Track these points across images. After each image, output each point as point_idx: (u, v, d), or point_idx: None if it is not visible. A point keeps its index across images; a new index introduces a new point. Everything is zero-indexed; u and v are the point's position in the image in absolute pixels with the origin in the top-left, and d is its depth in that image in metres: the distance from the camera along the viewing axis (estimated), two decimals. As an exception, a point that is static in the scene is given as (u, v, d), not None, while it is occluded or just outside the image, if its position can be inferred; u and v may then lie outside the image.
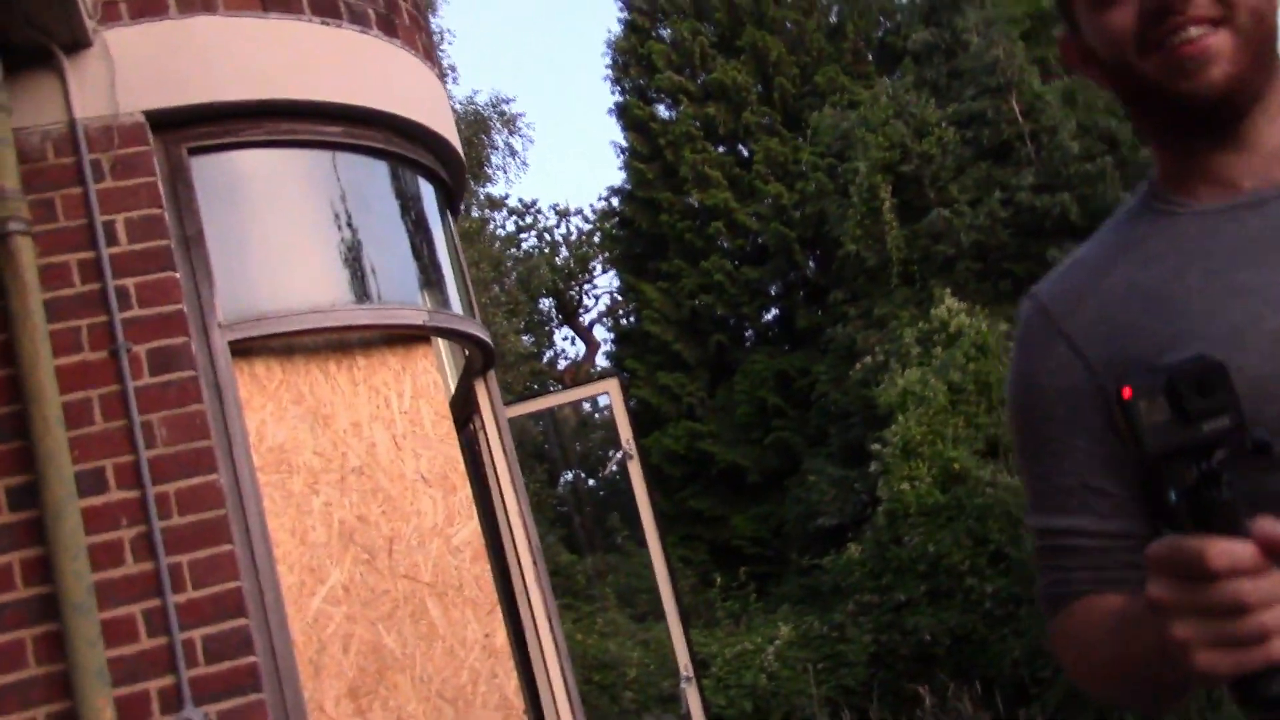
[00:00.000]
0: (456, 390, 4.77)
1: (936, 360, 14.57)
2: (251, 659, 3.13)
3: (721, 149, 21.41)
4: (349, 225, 4.00)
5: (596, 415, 24.11)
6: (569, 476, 23.54)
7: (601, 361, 26.21)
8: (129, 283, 3.30)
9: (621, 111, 22.21)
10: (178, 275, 3.37)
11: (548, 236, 27.65)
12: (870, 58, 21.66)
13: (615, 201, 23.42)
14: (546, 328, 27.66)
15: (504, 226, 26.50)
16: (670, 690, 11.47)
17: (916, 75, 18.56)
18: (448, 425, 4.05)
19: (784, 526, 17.53)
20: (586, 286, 27.85)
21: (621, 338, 23.36)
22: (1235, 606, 0.97)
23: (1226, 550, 0.97)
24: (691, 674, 5.27)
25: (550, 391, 18.81)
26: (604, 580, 16.02)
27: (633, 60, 22.16)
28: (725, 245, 20.69)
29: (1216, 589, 0.98)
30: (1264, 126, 1.28)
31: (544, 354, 26.99)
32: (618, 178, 25.40)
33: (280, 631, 3.26)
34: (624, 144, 22.24)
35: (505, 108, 23.82)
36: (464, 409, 4.65)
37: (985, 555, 12.60)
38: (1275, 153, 1.28)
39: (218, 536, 3.19)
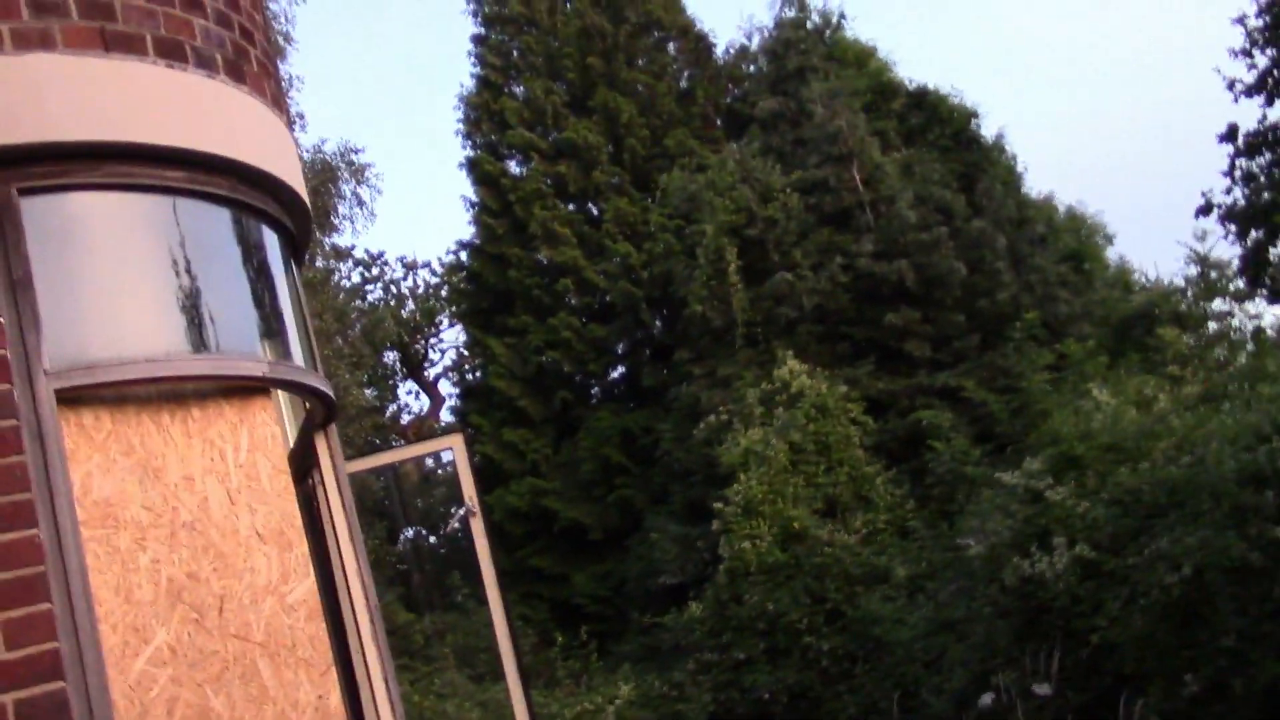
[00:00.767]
0: (296, 444, 4.66)
1: (778, 420, 14.84)
2: (67, 725, 2.97)
3: (571, 207, 21.58)
4: (188, 273, 3.89)
5: (439, 471, 23.81)
6: (409, 533, 23.15)
7: (446, 416, 25.95)
8: (-52, 326, 3.14)
9: (472, 166, 22.22)
10: (2, 320, 3.22)
11: (394, 289, 27.37)
12: (719, 123, 22.17)
13: (464, 256, 23.34)
14: (391, 381, 27.28)
15: (350, 278, 26.12)
16: (508, 752, 11.31)
17: (763, 142, 19.08)
18: (285, 480, 3.95)
19: (625, 585, 17.54)
20: (432, 340, 27.61)
21: (467, 393, 23.20)
22: None
23: None
24: (531, 735, 5.19)
25: (393, 447, 18.50)
26: (443, 640, 15.73)
27: (485, 115, 22.23)
28: (573, 302, 20.79)
29: None
30: None
31: (387, 408, 26.58)
32: (467, 232, 25.31)
33: (100, 695, 3.11)
34: (474, 198, 22.23)
35: (354, 157, 23.51)
36: (303, 463, 4.54)
37: (822, 613, 12.81)
38: None
39: (35, 595, 3.03)
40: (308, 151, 21.77)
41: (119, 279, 3.73)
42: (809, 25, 20.31)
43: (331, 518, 4.40)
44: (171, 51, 3.85)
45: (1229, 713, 8.49)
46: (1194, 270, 18.12)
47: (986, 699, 9.52)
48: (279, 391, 4.27)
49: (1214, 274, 17.44)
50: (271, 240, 4.34)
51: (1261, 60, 19.03)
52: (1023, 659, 9.67)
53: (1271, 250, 19.19)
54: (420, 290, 27.47)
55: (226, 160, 3.96)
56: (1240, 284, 18.29)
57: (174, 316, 3.84)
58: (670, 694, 12.89)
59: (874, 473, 14.92)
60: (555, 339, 20.16)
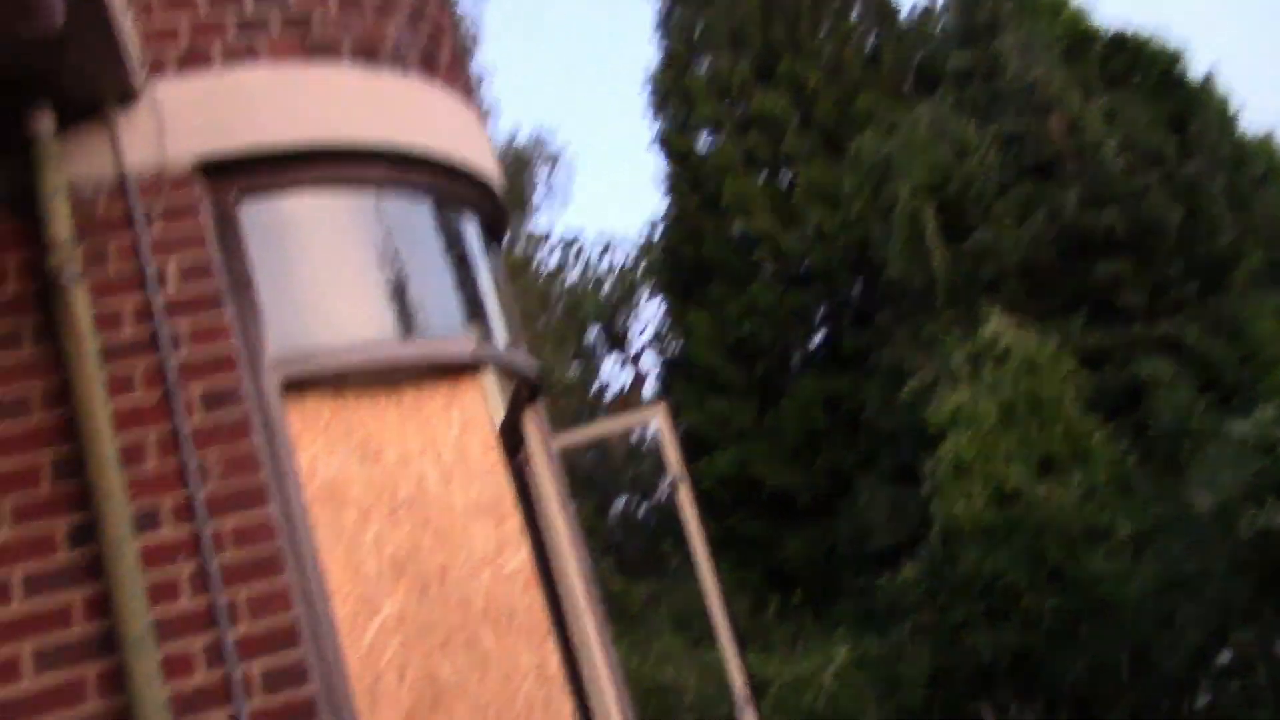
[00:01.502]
0: (504, 420, 4.82)
1: (986, 379, 14.48)
2: (309, 690, 3.18)
3: (763, 177, 21.47)
4: (395, 262, 4.08)
5: (645, 442, 24.14)
6: (620, 503, 23.56)
7: (649, 390, 26.25)
8: (180, 325, 3.39)
9: (662, 142, 22.35)
10: (227, 316, 3.45)
11: (592, 268, 27.80)
12: (908, 82, 21.66)
13: (659, 231, 23.53)
14: (593, 359, 27.76)
15: (549, 261, 26.68)
16: (727, 714, 11.43)
17: (956, 97, 18.55)
18: (496, 456, 4.10)
19: (837, 548, 17.45)
20: (632, 316, 27.94)
21: (668, 366, 23.40)
22: None
23: None
24: (748, 697, 5.27)
25: (598, 421, 18.82)
26: (658, 605, 15.98)
27: (672, 91, 22.31)
28: (770, 272, 20.71)
29: None
30: None
31: (591, 384, 27.07)
32: (661, 207, 25.52)
33: (336, 662, 3.31)
34: (666, 174, 22.37)
35: (546, 144, 24.03)
36: (512, 439, 4.70)
37: (1043, 573, 12.48)
38: None
39: (272, 570, 3.25)
40: (502, 142, 22.35)
41: (331, 272, 3.94)
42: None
43: (541, 490, 4.54)
44: (367, 54, 4.04)
45: None
46: None
47: (1224, 658, 9.12)
48: (486, 371, 4.43)
49: None
50: (471, 227, 4.50)
51: None
52: (1263, 616, 9.21)
53: None
54: (618, 268, 27.86)
55: (424, 153, 4.13)
56: None
57: (385, 305, 4.03)
58: (888, 656, 12.80)
59: (1091, 428, 14.41)
60: (754, 308, 20.15)
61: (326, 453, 3.72)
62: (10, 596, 3.08)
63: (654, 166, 43.64)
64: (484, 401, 4.23)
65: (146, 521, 3.18)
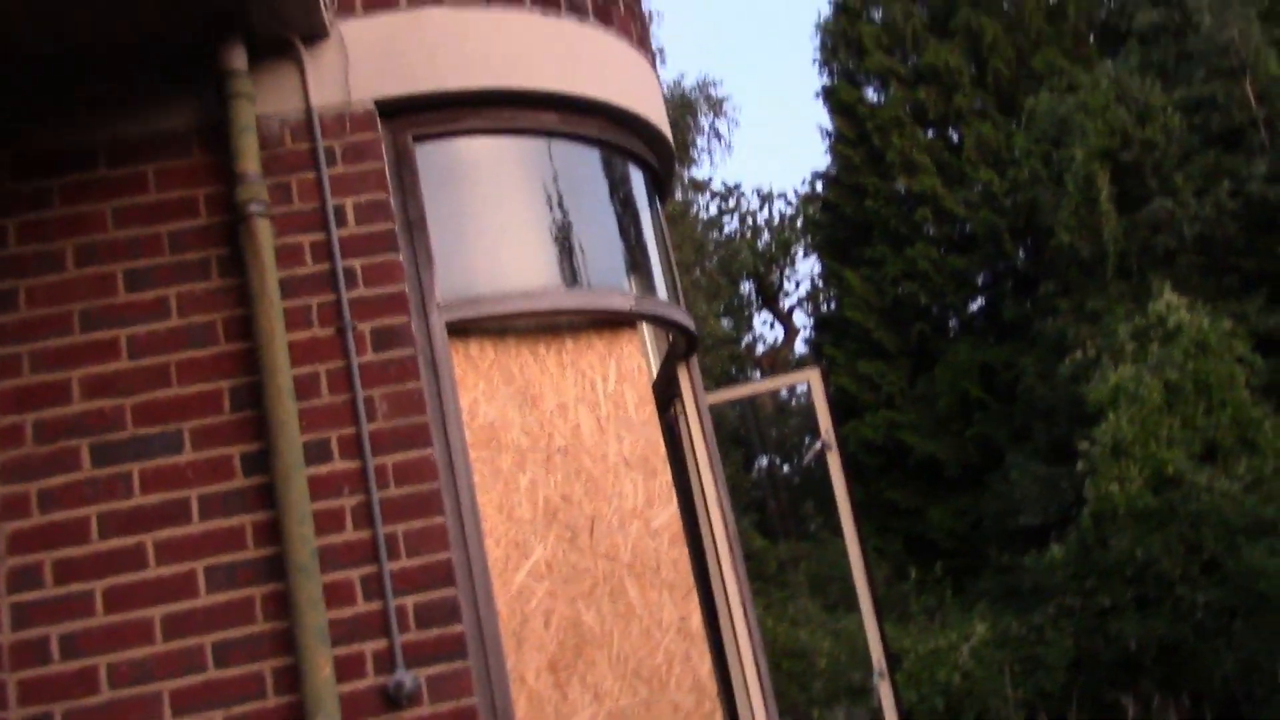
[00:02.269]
0: (659, 374, 4.84)
1: (1152, 357, 13.96)
2: (459, 628, 3.26)
3: (931, 134, 20.96)
4: (561, 211, 4.10)
5: (794, 402, 24.01)
6: (764, 462, 23.52)
7: (800, 348, 26.07)
8: (356, 264, 3.47)
9: (829, 95, 21.99)
10: (400, 258, 3.52)
11: (750, 220, 27.61)
12: (1092, 39, 20.82)
13: (819, 186, 23.22)
14: (746, 312, 27.64)
15: (707, 210, 26.60)
16: (860, 683, 11.36)
17: (1141, 57, 17.76)
18: (650, 409, 4.11)
19: (982, 522, 17.11)
20: (787, 272, 27.70)
21: (821, 324, 23.18)
22: None
23: None
24: (885, 669, 5.22)
25: (751, 380, 18.80)
26: (797, 567, 15.95)
27: (842, 43, 21.89)
28: (931, 233, 20.26)
29: None
30: None
31: (742, 338, 27.00)
32: (823, 162, 25.16)
33: (486, 603, 3.39)
34: (831, 128, 22.02)
35: (712, 90, 23.87)
36: (665, 393, 4.71)
37: (1198, 563, 12.04)
38: None
39: (431, 508, 3.33)
40: (667, 86, 22.27)
41: (500, 218, 3.98)
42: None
43: (693, 447, 4.55)
44: (546, 0, 4.04)
45: None
46: None
47: (1389, 666, 8.68)
48: (644, 324, 4.44)
49: None
50: (637, 178, 4.50)
51: None
52: None
53: None
54: (776, 221, 27.61)
55: (596, 102, 4.13)
56: None
57: (549, 253, 4.06)
58: (1029, 636, 12.53)
59: (1262, 416, 13.77)
60: (912, 270, 19.76)
61: (487, 397, 3.78)
62: (189, 517, 3.23)
63: (819, 118, 42.97)
64: (641, 354, 4.24)
65: (316, 453, 3.29)
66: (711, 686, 3.93)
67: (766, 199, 27.82)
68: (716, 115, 23.97)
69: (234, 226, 3.37)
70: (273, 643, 3.17)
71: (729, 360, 23.10)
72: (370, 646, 3.20)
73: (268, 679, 3.16)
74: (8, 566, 3.17)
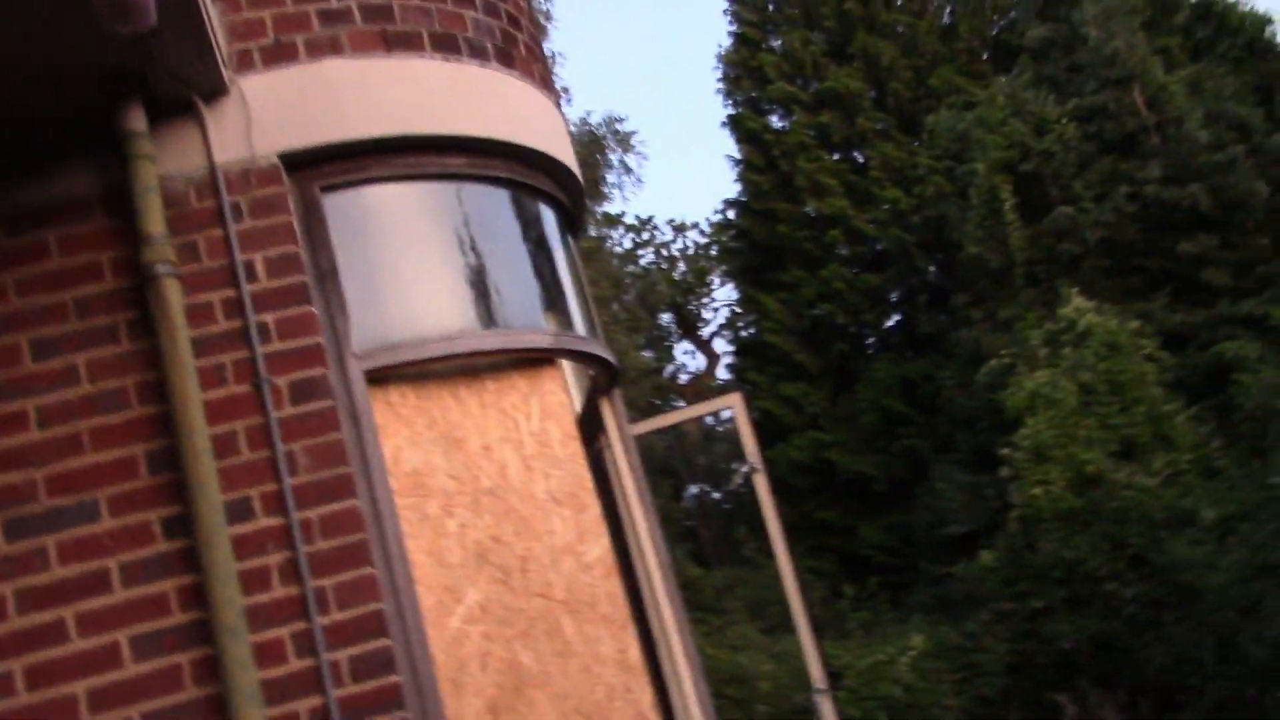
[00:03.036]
0: (583, 409, 4.84)
1: (1066, 361, 14.25)
2: (395, 678, 3.23)
3: (836, 156, 21.27)
4: (474, 253, 4.11)
5: (720, 428, 24.11)
6: (694, 490, 23.57)
7: (722, 374, 26.21)
8: (269, 318, 3.44)
9: (734, 124, 22.23)
10: (314, 309, 3.51)
11: (665, 251, 27.78)
12: (985, 57, 21.32)
13: (731, 214, 23.44)
14: (667, 342, 27.77)
15: (621, 244, 26.73)
16: (804, 703, 11.40)
17: (1034, 72, 18.22)
18: (576, 445, 4.12)
19: (913, 535, 17.29)
20: (705, 300, 27.90)
21: (742, 349, 23.33)
22: None
23: None
24: (825, 686, 5.25)
25: (675, 408, 18.87)
26: (733, 593, 15.97)
27: (744, 72, 22.17)
28: (844, 253, 20.53)
29: None
30: None
31: (665, 368, 27.09)
32: (733, 190, 25.41)
33: (421, 651, 3.36)
34: (738, 156, 22.25)
35: (619, 126, 24.05)
36: (590, 428, 4.72)
37: (1124, 559, 12.26)
38: None
39: (359, 560, 3.30)
40: (575, 125, 22.40)
41: (413, 264, 3.98)
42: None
43: (621, 479, 4.56)
44: (446, 45, 4.06)
45: None
46: None
47: (1313, 647, 8.91)
48: (565, 360, 4.46)
49: None
50: (549, 216, 4.52)
51: None
52: (1354, 604, 8.99)
53: None
54: (690, 251, 27.82)
55: (503, 143, 4.15)
56: None
57: (465, 296, 4.07)
58: (965, 644, 12.65)
59: (1174, 411, 14.11)
60: (827, 291, 19.99)
61: (410, 443, 3.77)
62: (110, 586, 3.17)
63: (727, 147, 43.44)
64: (563, 390, 4.25)
65: (238, 512, 3.25)
66: (654, 718, 3.93)
67: (680, 229, 28.04)
68: (625, 150, 24.15)
69: (142, 288, 3.33)
70: (204, 708, 3.12)
71: (653, 391, 23.16)
72: (305, 704, 3.16)
73: (202, 745, 3.10)
74: (-76, 651, 3.09)
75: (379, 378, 3.69)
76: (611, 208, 25.47)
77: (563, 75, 25.18)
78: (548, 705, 3.72)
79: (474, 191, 4.14)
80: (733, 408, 5.37)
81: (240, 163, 3.56)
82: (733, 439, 20.07)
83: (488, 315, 4.08)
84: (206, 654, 3.13)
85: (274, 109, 3.64)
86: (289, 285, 3.49)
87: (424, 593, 3.60)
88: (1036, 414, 13.62)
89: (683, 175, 47.22)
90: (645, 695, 3.93)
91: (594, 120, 23.91)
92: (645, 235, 27.62)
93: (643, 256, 27.56)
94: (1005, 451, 13.58)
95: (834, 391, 20.07)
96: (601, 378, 4.57)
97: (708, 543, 19.77)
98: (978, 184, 16.97)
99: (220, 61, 3.51)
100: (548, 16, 18.83)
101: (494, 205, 4.26)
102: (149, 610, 3.16)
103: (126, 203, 3.36)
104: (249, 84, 3.65)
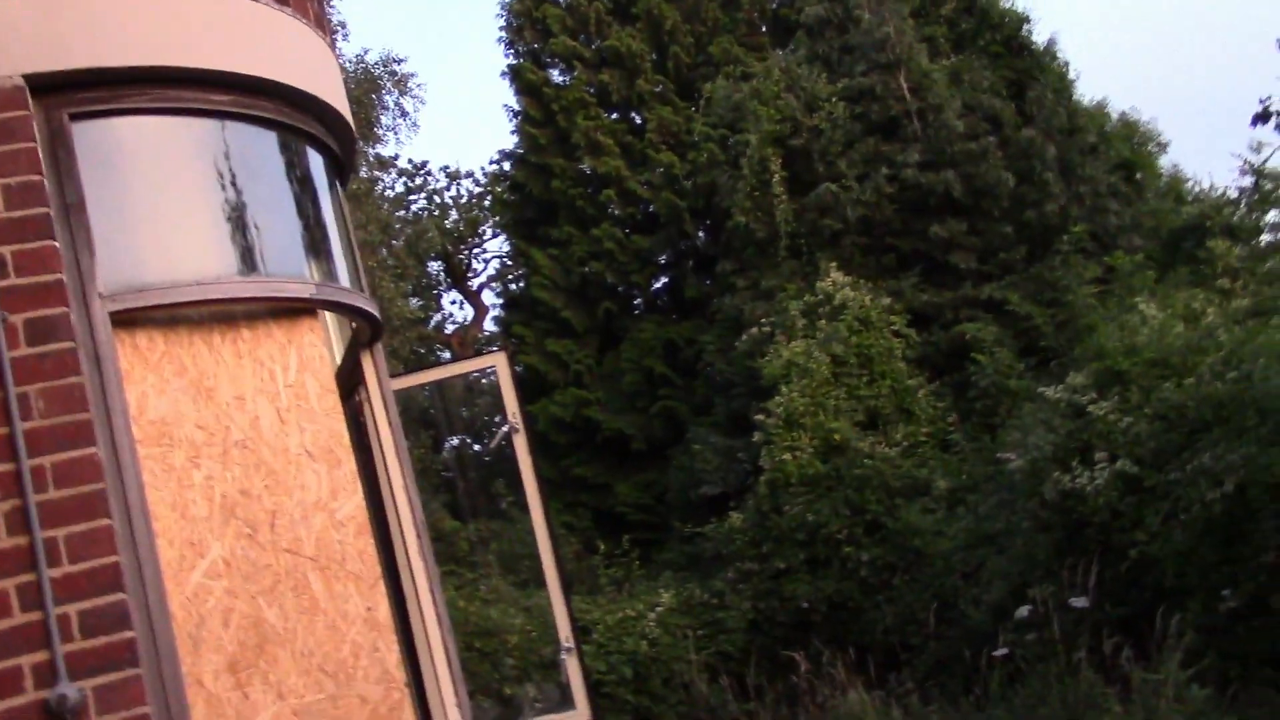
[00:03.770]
0: (343, 362, 4.76)
1: (820, 333, 14.83)
2: (129, 634, 3.11)
3: (614, 116, 21.39)
4: (236, 195, 3.96)
5: (484, 382, 24.03)
6: (454, 442, 23.46)
7: (490, 326, 26.12)
8: (5, 251, 3.23)
9: (514, 75, 22.04)
10: (57, 244, 3.31)
11: (437, 199, 27.39)
12: (764, 30, 21.80)
13: (507, 166, 23.28)
14: (435, 291, 27.44)
15: (393, 188, 26.19)
16: (552, 656, 11.57)
17: (809, 49, 18.74)
18: (333, 399, 4.04)
19: (668, 494, 17.72)
20: (476, 250, 27.68)
21: (510, 303, 23.29)
22: None
23: None
24: (572, 643, 5.34)
25: (437, 364, 18.66)
26: (488, 547, 16.02)
27: (527, 24, 21.98)
28: (616, 213, 20.71)
29: None
30: None
31: (432, 318, 26.78)
32: (510, 141, 25.22)
33: (159, 606, 3.25)
34: (517, 108, 22.09)
35: (397, 67, 23.48)
36: (350, 381, 4.64)
37: (862, 525, 12.92)
38: None
39: (95, 510, 3.16)
40: (350, 61, 21.73)
41: (169, 203, 3.80)
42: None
43: (378, 434, 4.51)
44: (215, -26, 3.88)
45: (1267, 628, 8.54)
46: (1248, 181, 17.74)
47: (1023, 611, 9.61)
48: (326, 311, 4.36)
49: (1269, 185, 17.08)
50: (316, 161, 4.40)
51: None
52: (1061, 572, 9.74)
53: (1330, 161, 18.69)
54: (464, 200, 27.50)
55: (271, 83, 4.00)
56: (1295, 195, 17.89)
57: (223, 239, 3.92)
58: (711, 602, 13.09)
59: (916, 385, 14.92)
60: (598, 250, 20.15)
61: (157, 391, 3.62)
62: None
63: (506, 98, 43.03)
64: (324, 342, 4.16)
65: (-39, 457, 3.05)
66: (400, 675, 3.92)
67: (454, 177, 27.66)
68: (402, 92, 23.60)
69: None
70: (-84, 663, 2.93)
71: (418, 341, 22.86)
72: (29, 660, 3.01)
73: (-89, 703, 2.92)
74: None
75: (126, 320, 3.53)
76: (385, 150, 24.90)
77: (340, 8, 24.36)
78: (291, 663, 3.66)
79: (238, 131, 3.98)
80: (495, 367, 5.37)
81: (-21, 82, 3.31)
82: (495, 392, 20.02)
83: (247, 261, 3.95)
84: (-81, 606, 2.94)
85: (23, 29, 3.40)
86: (29, 216, 3.28)
87: (165, 546, 3.48)
88: (791, 383, 14.14)
89: (460, 122, 46.54)
90: (392, 653, 3.92)
91: (371, 59, 23.26)
92: (418, 181, 27.15)
93: (414, 202, 27.10)
94: (759, 417, 14.06)
95: (599, 350, 20.29)
96: (364, 331, 4.49)
97: (465, 495, 19.73)
98: (749, 155, 17.38)
99: (-39, -29, 3.25)
100: (327, -53, 18.15)
101: (259, 147, 4.11)
102: None
103: None
104: (-6, -1, 3.39)
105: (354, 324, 4.51)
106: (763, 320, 16.07)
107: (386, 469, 4.47)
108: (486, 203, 26.63)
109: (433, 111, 49.12)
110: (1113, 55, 52.62)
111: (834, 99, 17.57)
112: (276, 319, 3.98)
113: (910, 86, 17.69)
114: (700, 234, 20.32)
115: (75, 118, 3.52)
